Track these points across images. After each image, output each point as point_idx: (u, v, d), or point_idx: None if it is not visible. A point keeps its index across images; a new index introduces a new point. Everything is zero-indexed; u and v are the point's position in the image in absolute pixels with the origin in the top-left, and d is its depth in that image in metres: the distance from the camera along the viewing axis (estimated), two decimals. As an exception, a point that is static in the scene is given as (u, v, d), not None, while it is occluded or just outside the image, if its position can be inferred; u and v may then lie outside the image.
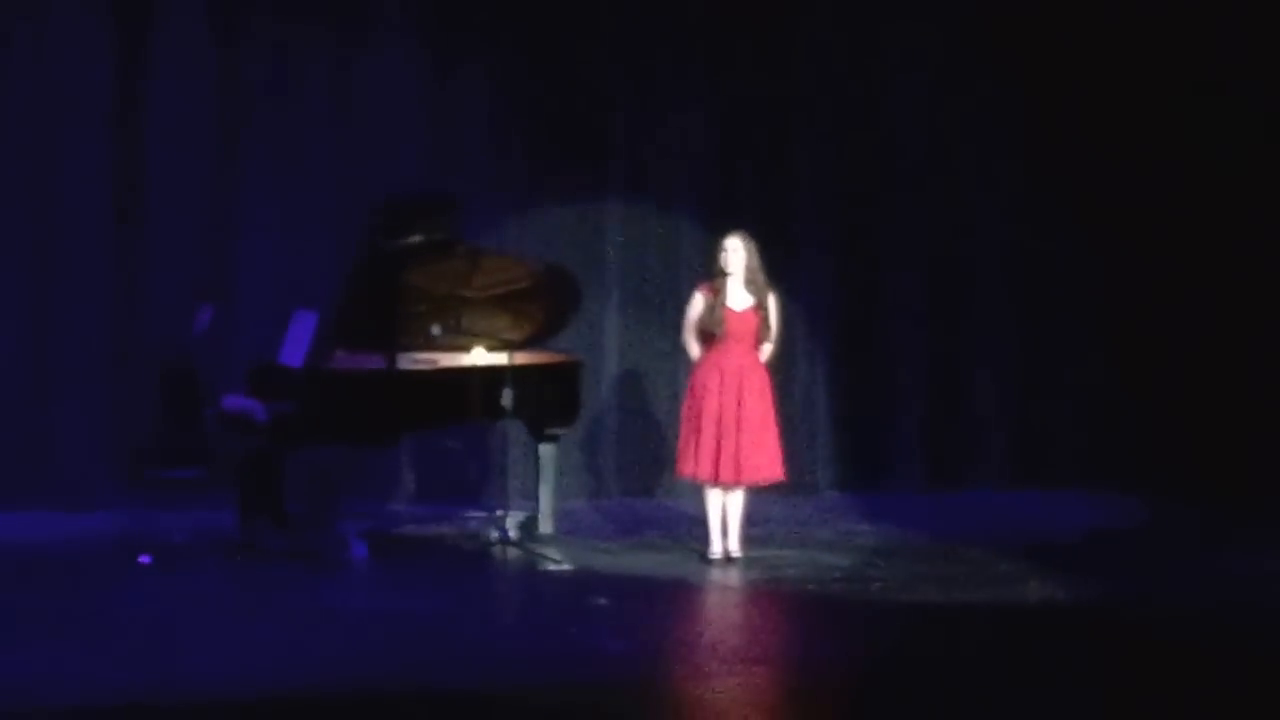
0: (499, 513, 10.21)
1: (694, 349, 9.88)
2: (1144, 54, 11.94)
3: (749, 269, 9.83)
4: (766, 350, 9.89)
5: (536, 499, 10.37)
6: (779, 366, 10.20)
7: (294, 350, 9.85)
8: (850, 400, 12.08)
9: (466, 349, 10.21)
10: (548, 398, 10.26)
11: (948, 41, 12.10)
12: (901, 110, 12.10)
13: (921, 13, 12.07)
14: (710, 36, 11.77)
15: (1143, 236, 12.01)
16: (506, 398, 9.84)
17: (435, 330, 9.97)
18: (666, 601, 9.21)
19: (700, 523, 10.02)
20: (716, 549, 9.90)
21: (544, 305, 10.31)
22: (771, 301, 9.87)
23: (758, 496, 10.12)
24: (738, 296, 9.85)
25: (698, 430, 9.79)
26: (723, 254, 9.83)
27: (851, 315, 12.09)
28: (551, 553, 9.95)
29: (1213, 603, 9.09)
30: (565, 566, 9.75)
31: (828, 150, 11.99)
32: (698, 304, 9.87)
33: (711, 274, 9.91)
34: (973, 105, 12.17)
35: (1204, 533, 10.87)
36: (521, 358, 10.06)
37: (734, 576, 9.70)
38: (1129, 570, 9.85)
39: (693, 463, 9.84)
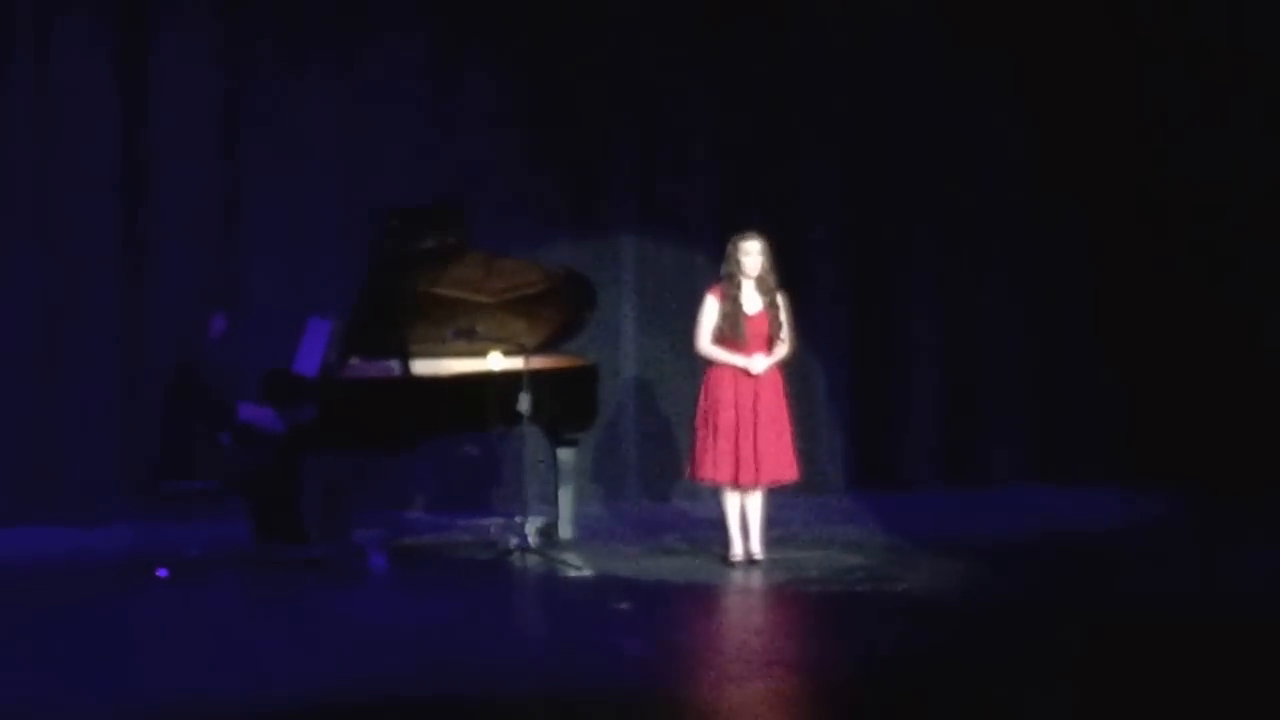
0: (517, 519, 10.14)
1: (717, 351, 9.75)
2: (1152, 48, 11.89)
3: (763, 269, 9.73)
4: (783, 350, 9.78)
5: (555, 504, 10.32)
6: (795, 367, 10.10)
7: (309, 358, 9.79)
8: (866, 399, 12.00)
9: (482, 354, 10.14)
10: (565, 402, 10.19)
11: (953, 41, 12.03)
12: (909, 110, 12.02)
13: (924, 14, 12.01)
14: (715, 41, 11.72)
15: (1161, 229, 11.95)
16: (524, 402, 9.77)
17: (450, 336, 9.91)
18: (690, 605, 9.14)
19: (719, 525, 9.92)
20: (738, 551, 9.80)
21: (559, 309, 10.25)
22: (781, 300, 9.77)
23: (775, 498, 10.03)
24: (750, 299, 9.75)
25: (715, 433, 9.69)
26: (744, 257, 9.69)
27: (866, 314, 12.01)
28: (572, 558, 9.87)
29: (1240, 601, 9.00)
30: (586, 572, 9.67)
31: (836, 150, 11.93)
32: (713, 309, 9.75)
33: (722, 276, 9.78)
34: (979, 104, 12.11)
35: (1231, 528, 10.75)
36: (538, 362, 9.99)
37: (756, 579, 9.61)
38: (1154, 568, 9.76)
39: (711, 466, 9.73)
